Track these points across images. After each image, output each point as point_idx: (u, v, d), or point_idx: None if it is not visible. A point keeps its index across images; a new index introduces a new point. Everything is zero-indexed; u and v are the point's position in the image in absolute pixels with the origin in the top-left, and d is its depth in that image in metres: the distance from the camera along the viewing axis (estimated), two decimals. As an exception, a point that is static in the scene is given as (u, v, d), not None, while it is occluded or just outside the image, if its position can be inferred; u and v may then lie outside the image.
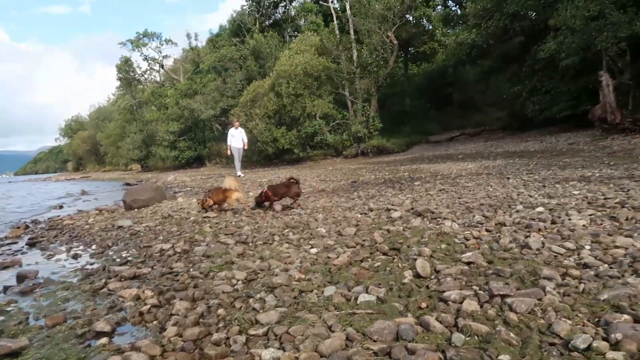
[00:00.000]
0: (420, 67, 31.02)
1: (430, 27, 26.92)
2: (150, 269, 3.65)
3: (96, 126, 64.43)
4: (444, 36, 26.54)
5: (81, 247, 5.19)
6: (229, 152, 15.54)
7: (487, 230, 3.69)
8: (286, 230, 4.62)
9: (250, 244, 4.15)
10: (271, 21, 32.77)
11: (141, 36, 42.14)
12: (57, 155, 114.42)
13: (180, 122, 36.04)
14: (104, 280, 3.41)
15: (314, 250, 3.65)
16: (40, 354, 2.21)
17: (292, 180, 6.34)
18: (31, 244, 5.67)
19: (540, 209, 4.20)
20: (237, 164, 15.50)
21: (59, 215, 8.77)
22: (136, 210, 7.82)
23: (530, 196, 5.08)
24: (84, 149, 70.53)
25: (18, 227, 7.31)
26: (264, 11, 31.95)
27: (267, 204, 6.22)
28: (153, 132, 40.26)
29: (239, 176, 14.34)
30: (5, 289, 3.49)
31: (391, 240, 3.67)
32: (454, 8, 26.85)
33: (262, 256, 3.63)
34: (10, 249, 5.51)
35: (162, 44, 42.80)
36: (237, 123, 15.80)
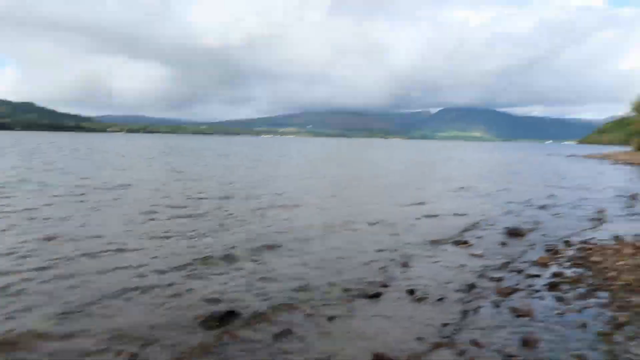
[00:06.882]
0: None
1: None
2: None
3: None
4: None
5: (592, 309, 3.83)
6: None
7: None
8: None
9: None
10: None
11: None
12: (624, 127, 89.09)
13: None
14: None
15: None
16: None
17: None
18: (551, 286, 4.40)
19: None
20: None
21: (592, 240, 6.81)
22: None
23: None
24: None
25: (551, 251, 6.10)
26: None
27: None
28: None
29: None
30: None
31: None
32: None
33: None
34: (529, 285, 4.45)
35: None
36: None
